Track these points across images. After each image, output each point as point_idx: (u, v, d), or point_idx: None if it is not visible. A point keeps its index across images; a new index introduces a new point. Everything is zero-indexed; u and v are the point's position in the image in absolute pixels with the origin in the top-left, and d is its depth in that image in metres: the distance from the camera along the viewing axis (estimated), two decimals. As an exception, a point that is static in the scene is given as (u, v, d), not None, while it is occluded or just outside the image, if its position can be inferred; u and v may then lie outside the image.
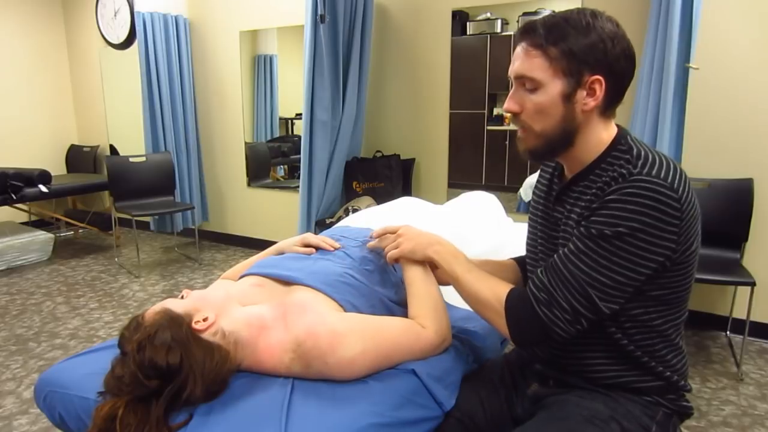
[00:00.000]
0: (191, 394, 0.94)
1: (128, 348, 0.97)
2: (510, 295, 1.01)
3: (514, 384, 1.19)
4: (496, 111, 3.33)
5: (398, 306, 1.29)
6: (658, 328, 0.98)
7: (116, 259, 4.12)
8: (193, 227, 4.30)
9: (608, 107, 0.98)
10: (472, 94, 3.35)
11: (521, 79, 0.97)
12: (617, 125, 1.02)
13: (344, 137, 3.37)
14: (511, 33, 3.16)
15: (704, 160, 2.62)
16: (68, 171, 5.12)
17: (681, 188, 0.89)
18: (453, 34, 3.27)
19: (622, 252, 0.89)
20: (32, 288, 3.50)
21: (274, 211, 4.16)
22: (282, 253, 1.41)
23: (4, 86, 4.68)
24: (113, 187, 3.93)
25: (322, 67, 3.13)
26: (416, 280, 1.21)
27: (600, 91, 0.94)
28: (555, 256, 0.98)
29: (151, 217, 4.27)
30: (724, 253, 2.48)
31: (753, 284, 2.23)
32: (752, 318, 2.39)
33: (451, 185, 3.46)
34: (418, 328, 1.14)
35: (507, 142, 3.35)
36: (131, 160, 4.03)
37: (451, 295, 1.24)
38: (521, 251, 1.30)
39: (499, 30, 3.20)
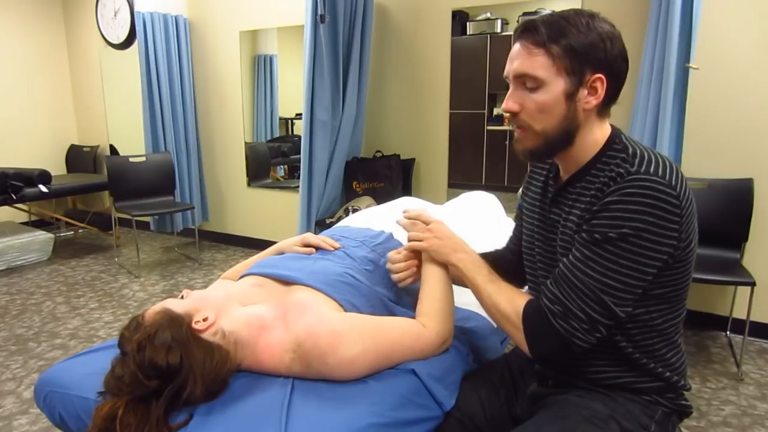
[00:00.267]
0: (191, 394, 0.94)
1: (128, 348, 0.97)
2: (526, 309, 1.00)
3: (513, 384, 1.19)
4: (496, 111, 3.33)
5: (398, 306, 1.29)
6: (658, 327, 0.98)
7: (116, 259, 4.12)
8: (193, 227, 4.30)
9: (605, 106, 0.98)
10: (472, 94, 3.35)
11: (522, 77, 0.96)
12: (611, 125, 1.02)
13: (344, 137, 3.37)
14: (511, 33, 3.15)
15: (704, 160, 2.62)
16: (68, 171, 5.11)
17: (678, 185, 0.89)
18: (453, 34, 3.27)
19: (629, 254, 0.89)
20: (32, 288, 3.50)
21: (274, 211, 4.16)
22: (282, 253, 1.41)
23: (4, 86, 4.68)
24: (113, 187, 3.93)
25: (322, 67, 3.13)
26: (433, 277, 1.21)
27: (601, 89, 0.95)
28: (561, 265, 0.98)
29: (151, 217, 4.26)
30: (724, 253, 2.48)
31: (753, 284, 2.23)
32: (752, 318, 2.39)
33: (451, 185, 3.46)
34: (419, 327, 1.14)
35: (507, 142, 3.35)
36: (131, 160, 4.03)
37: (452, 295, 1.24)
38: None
39: (499, 30, 3.20)
